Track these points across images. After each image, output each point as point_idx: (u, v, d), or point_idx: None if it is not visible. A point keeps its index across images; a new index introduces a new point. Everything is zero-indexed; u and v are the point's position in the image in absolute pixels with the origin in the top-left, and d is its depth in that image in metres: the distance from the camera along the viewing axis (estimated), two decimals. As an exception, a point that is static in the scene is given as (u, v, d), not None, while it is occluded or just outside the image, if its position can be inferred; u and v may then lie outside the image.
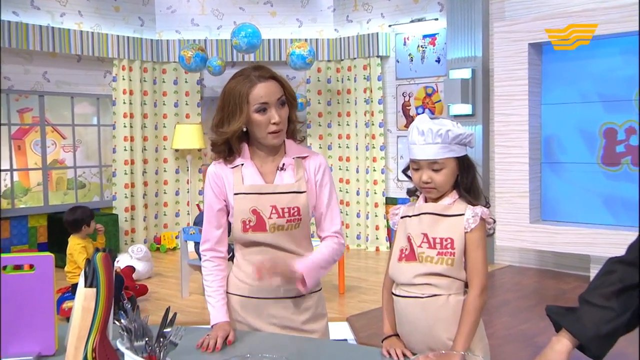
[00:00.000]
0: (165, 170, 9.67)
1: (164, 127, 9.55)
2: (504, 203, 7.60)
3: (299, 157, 2.60)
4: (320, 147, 9.71)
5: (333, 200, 2.62)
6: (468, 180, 2.35)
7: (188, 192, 9.67)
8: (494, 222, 2.38)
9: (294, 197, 2.53)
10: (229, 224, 2.60)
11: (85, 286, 1.98)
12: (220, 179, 2.57)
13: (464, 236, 2.28)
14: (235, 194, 2.53)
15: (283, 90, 2.52)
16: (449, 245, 2.28)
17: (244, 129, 2.52)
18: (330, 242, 2.58)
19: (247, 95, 2.46)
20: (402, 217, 2.44)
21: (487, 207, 2.34)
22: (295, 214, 2.51)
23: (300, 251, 2.52)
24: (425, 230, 2.32)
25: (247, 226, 2.50)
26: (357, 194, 9.63)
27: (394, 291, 2.39)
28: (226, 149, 2.54)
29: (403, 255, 2.36)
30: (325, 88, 9.65)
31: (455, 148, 2.32)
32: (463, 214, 2.30)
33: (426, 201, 2.40)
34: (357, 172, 9.63)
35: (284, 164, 2.57)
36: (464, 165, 2.36)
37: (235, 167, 2.57)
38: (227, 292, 2.57)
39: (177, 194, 9.77)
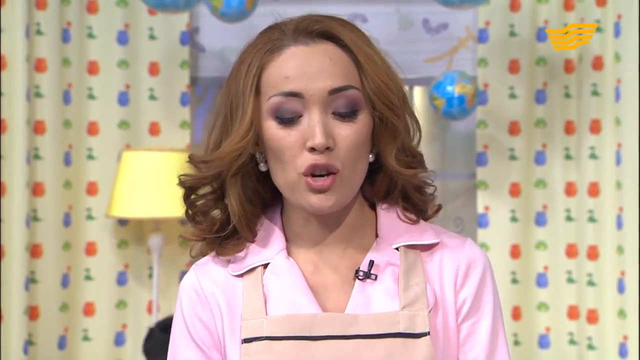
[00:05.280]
0: (88, 277, 4.90)
1: (91, 157, 5.04)
2: None
3: (409, 247, 1.39)
4: (512, 218, 4.89)
5: (501, 350, 1.41)
6: None
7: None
8: None
9: (396, 348, 1.35)
10: None
11: None
12: (209, 306, 1.40)
13: None
14: (246, 340, 1.35)
15: (357, 71, 1.28)
16: None
17: (263, 166, 1.35)
18: None
19: (258, 72, 1.30)
20: None
21: None
22: None
23: None
24: None
25: None
26: (622, 354, 4.65)
27: None
28: (222, 217, 1.39)
29: None
30: (531, 56, 5.02)
31: None
32: None
33: None
34: (621, 289, 4.66)
35: (372, 264, 1.37)
36: None
37: (248, 271, 1.39)
38: None
39: (118, 341, 4.96)
